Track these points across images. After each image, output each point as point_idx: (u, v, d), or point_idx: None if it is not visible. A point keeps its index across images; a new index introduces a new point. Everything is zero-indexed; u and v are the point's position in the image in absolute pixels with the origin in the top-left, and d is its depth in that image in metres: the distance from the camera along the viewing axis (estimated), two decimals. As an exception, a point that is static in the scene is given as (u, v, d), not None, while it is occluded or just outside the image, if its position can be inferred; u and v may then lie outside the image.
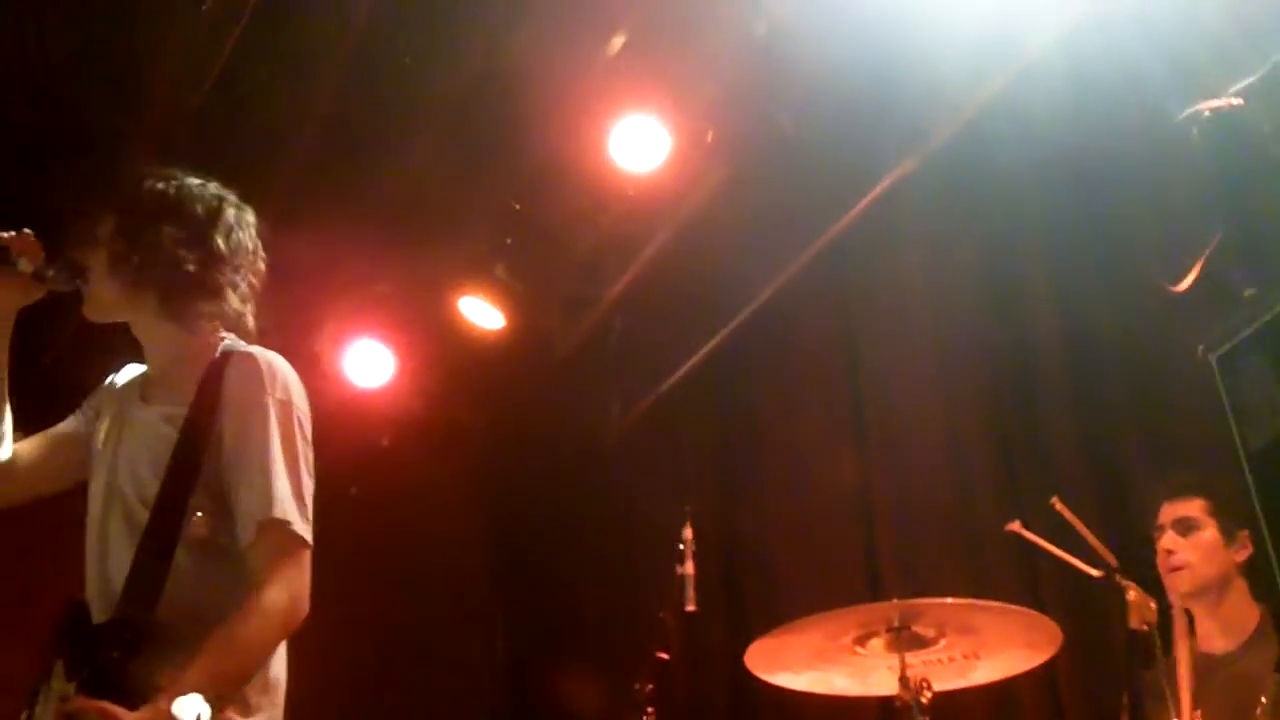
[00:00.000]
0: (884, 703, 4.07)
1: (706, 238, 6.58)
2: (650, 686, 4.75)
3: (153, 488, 2.97)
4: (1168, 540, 4.09)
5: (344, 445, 6.83)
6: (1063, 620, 3.90)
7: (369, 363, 7.46)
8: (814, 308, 6.65)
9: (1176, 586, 4.02)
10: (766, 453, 6.91)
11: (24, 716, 2.92)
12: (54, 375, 4.35)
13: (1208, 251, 3.19)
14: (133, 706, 2.70)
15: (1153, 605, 3.41)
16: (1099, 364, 5.15)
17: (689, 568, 4.82)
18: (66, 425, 3.38)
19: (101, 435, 3.23)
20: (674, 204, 6.51)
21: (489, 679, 8.50)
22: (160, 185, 3.23)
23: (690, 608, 4.80)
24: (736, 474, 7.10)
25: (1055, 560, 3.97)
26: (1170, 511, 4.14)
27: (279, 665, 3.01)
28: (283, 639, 2.94)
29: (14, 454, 3.33)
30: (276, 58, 5.94)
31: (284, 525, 2.92)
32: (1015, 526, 4.09)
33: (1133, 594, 3.39)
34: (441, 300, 7.14)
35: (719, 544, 6.70)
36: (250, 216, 3.34)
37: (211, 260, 3.20)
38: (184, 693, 2.67)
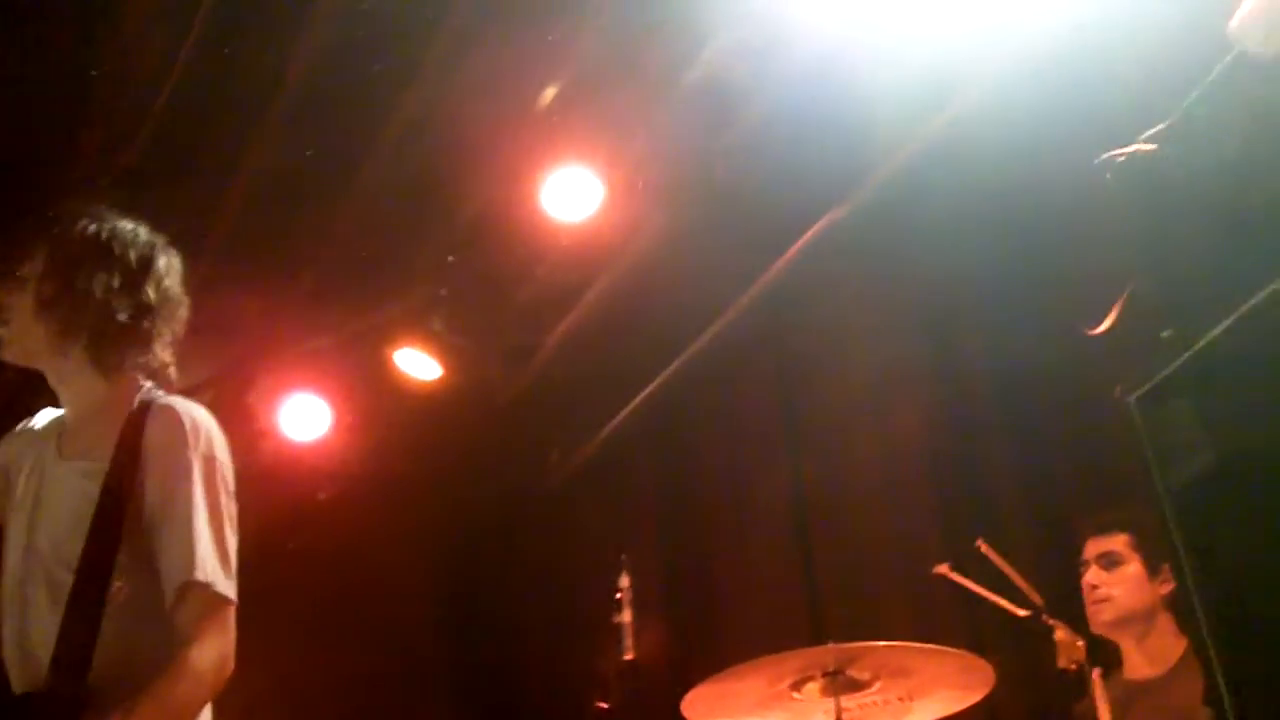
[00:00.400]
0: (823, 749, 4.06)
1: (644, 284, 6.60)
2: (591, 736, 4.76)
3: (74, 549, 2.88)
4: (1092, 575, 4.16)
5: (281, 500, 6.84)
6: (1003, 658, 3.93)
7: (305, 416, 7.42)
8: (752, 351, 6.69)
9: (1099, 617, 4.08)
10: (706, 496, 6.94)
11: None
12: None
13: (1125, 294, 3.23)
14: None
15: (1080, 644, 3.45)
16: (1031, 405, 5.20)
17: (626, 616, 4.83)
18: None
19: (20, 487, 3.11)
20: (610, 252, 6.54)
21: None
22: (93, 227, 3.14)
23: (628, 656, 4.81)
24: (677, 517, 7.11)
25: (984, 602, 3.99)
26: (1095, 547, 4.21)
27: None
28: (209, 699, 2.90)
29: None
30: (210, 110, 5.93)
31: (206, 587, 2.87)
32: (943, 569, 4.12)
33: (1060, 633, 3.43)
34: (378, 353, 7.13)
35: (661, 588, 6.71)
36: (178, 263, 3.27)
37: (142, 309, 3.13)
38: None
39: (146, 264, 3.18)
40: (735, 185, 6.01)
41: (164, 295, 3.18)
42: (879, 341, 5.95)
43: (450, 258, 6.71)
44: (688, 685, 4.09)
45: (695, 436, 7.10)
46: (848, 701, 3.83)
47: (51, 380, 3.19)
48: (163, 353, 3.18)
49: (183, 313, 3.26)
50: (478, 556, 8.60)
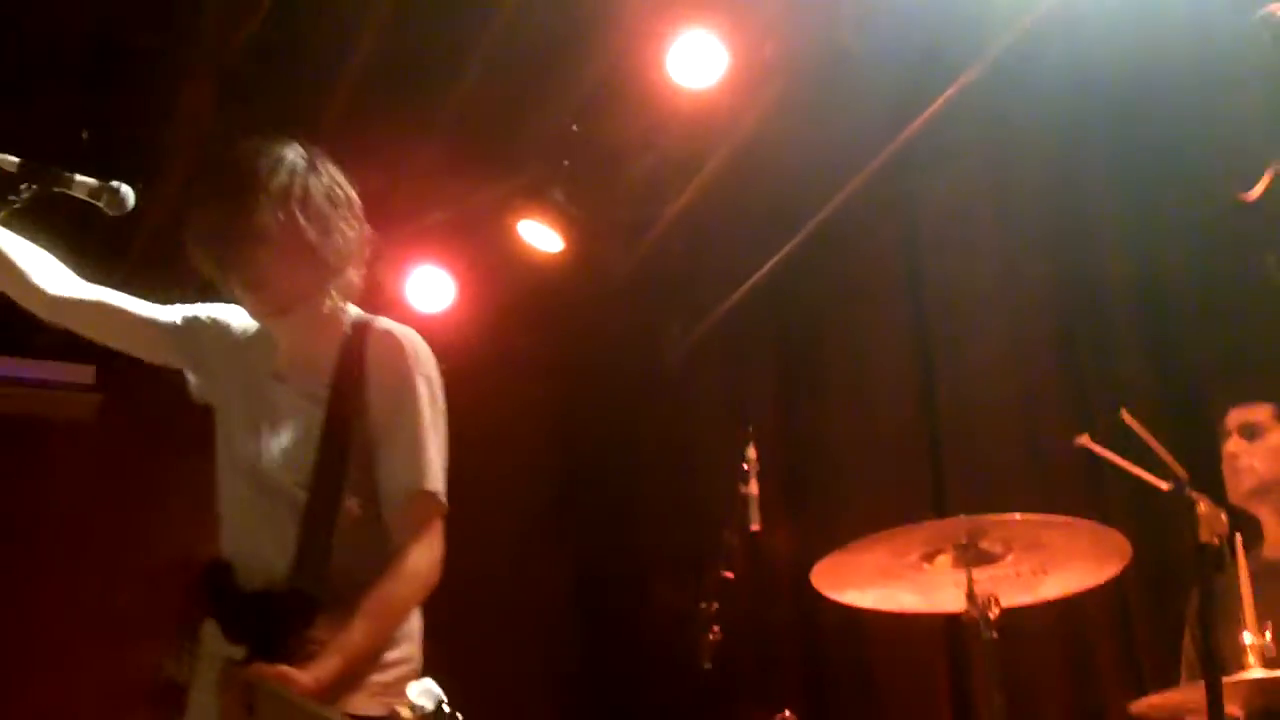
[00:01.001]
0: (951, 619, 4.05)
1: (766, 155, 6.51)
2: (715, 605, 4.77)
3: (305, 467, 3.11)
4: (1232, 444, 4.09)
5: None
6: (1129, 534, 3.86)
7: (429, 289, 7.47)
8: (876, 223, 6.59)
9: (1239, 487, 4.01)
10: (829, 371, 6.89)
11: (169, 669, 3.15)
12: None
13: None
14: (301, 668, 2.89)
15: (1223, 517, 3.37)
16: (1167, 273, 5.10)
17: (753, 487, 4.83)
18: (160, 314, 3.41)
19: (235, 401, 3.29)
20: (732, 122, 6.44)
21: (557, 603, 8.55)
22: (293, 164, 3.16)
23: (754, 527, 4.81)
24: (799, 393, 7.08)
25: (1122, 474, 3.93)
26: (1237, 417, 4.13)
27: (416, 620, 3.19)
28: (423, 599, 3.13)
29: (89, 298, 3.38)
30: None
31: (434, 496, 3.12)
32: (1084, 440, 4.05)
33: (1203, 506, 3.34)
34: (500, 225, 7.12)
35: (782, 463, 6.69)
36: None
37: (351, 236, 3.23)
38: (346, 652, 2.93)
39: (342, 191, 3.24)
40: (860, 53, 5.88)
41: (359, 218, 3.27)
42: (1007, 210, 5.84)
43: (574, 126, 6.65)
44: (811, 557, 4.07)
45: (817, 309, 7.04)
46: (979, 574, 3.79)
47: (273, 321, 3.30)
48: (356, 274, 3.29)
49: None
50: (597, 431, 8.63)
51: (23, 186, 3.03)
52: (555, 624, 8.43)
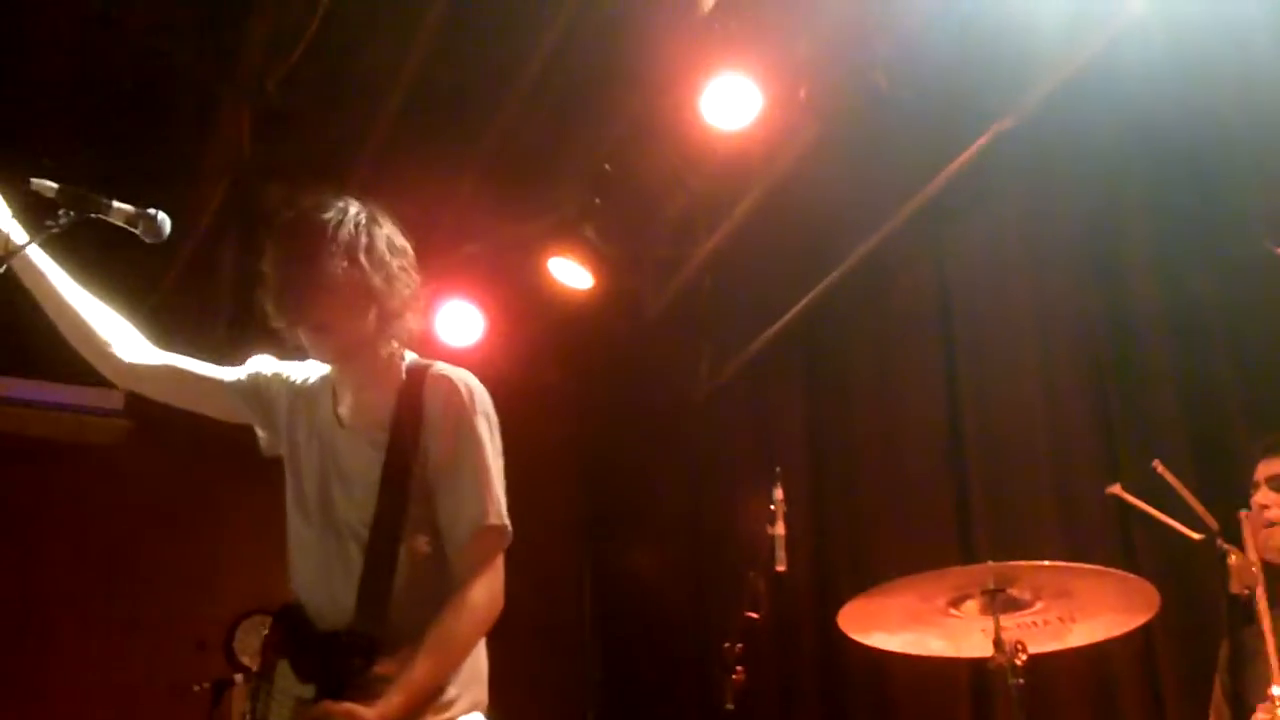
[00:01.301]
0: (978, 664, 4.03)
1: (798, 196, 6.52)
2: (740, 646, 4.75)
3: (368, 510, 3.23)
4: (1262, 496, 4.04)
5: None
6: (1158, 583, 3.83)
7: (459, 323, 7.50)
8: (908, 266, 6.59)
9: (1270, 542, 3.97)
10: (858, 412, 6.87)
11: (247, 710, 3.26)
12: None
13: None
14: (367, 704, 3.01)
15: (1255, 569, 3.35)
16: (1199, 324, 5.06)
17: (780, 528, 4.81)
18: (226, 375, 3.56)
19: (302, 448, 3.41)
20: (765, 163, 6.46)
21: (580, 638, 8.54)
22: (355, 217, 3.28)
23: (780, 568, 4.79)
24: (827, 433, 7.06)
25: (1151, 523, 3.90)
26: (1266, 469, 4.09)
27: (482, 658, 3.30)
28: (485, 633, 3.24)
29: (160, 365, 3.54)
30: (368, 18, 5.96)
31: (499, 529, 3.23)
32: (1116, 489, 4.03)
33: (1234, 558, 3.33)
34: (531, 261, 7.15)
35: (809, 502, 6.69)
36: None
37: (410, 284, 3.35)
38: (409, 689, 3.04)
39: (400, 241, 3.37)
40: (895, 97, 5.89)
41: (414, 267, 3.39)
42: (1041, 258, 5.82)
43: (606, 165, 6.68)
44: (837, 600, 4.07)
45: (847, 350, 7.02)
46: (1007, 620, 3.77)
47: (336, 367, 3.43)
48: (414, 320, 3.40)
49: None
50: (625, 467, 8.64)
51: (61, 212, 3.07)
52: (578, 663, 8.41)
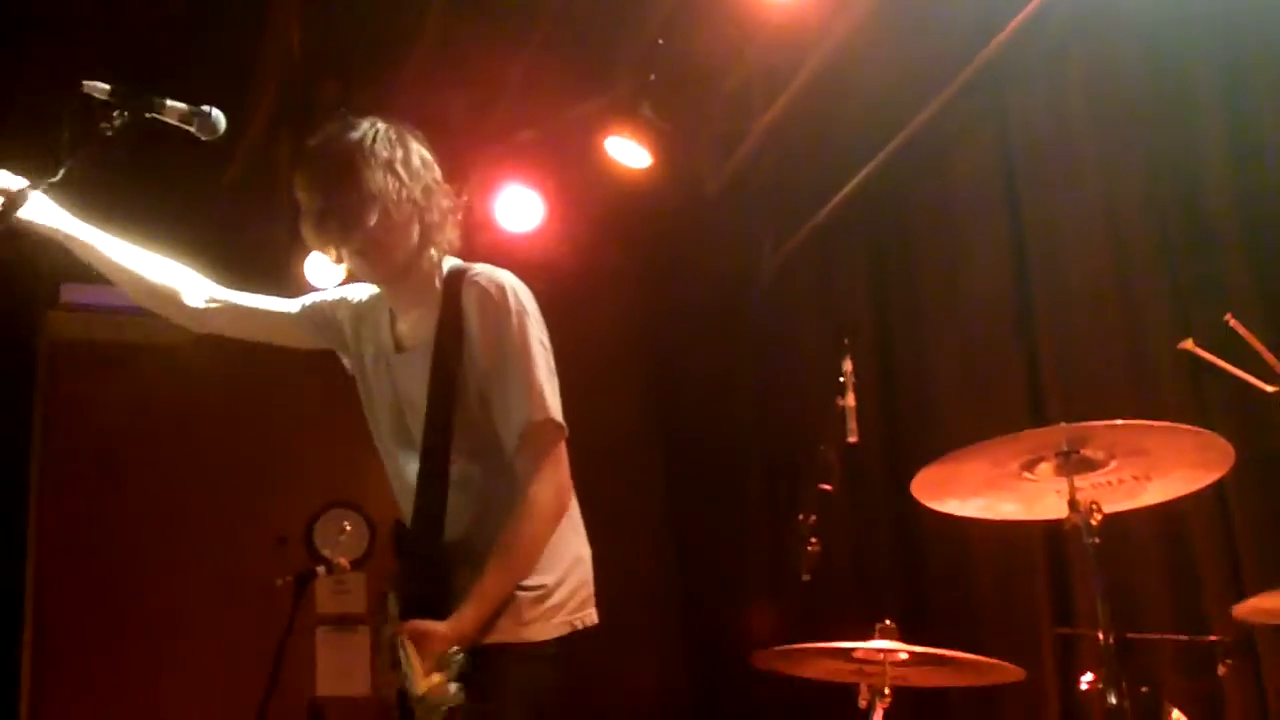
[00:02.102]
0: (1052, 527, 4.02)
1: (856, 66, 6.43)
2: (814, 518, 4.78)
3: None
4: None
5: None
6: (1231, 438, 3.80)
7: (519, 208, 7.49)
8: (969, 133, 6.49)
9: None
10: (924, 281, 6.82)
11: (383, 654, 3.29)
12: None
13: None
14: (442, 616, 3.10)
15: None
16: (1270, 179, 4.97)
17: (850, 400, 4.82)
18: (290, 306, 3.65)
19: (370, 372, 3.48)
20: (821, 33, 6.36)
21: (652, 519, 8.59)
22: (384, 136, 3.31)
23: (852, 439, 4.80)
24: (894, 304, 7.02)
25: (1224, 378, 3.87)
26: None
27: (572, 539, 3.38)
28: (555, 528, 3.24)
29: (226, 305, 3.63)
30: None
31: (549, 423, 3.23)
32: (1188, 344, 4.00)
33: (1308, 407, 3.30)
34: (588, 142, 7.10)
35: (878, 374, 6.67)
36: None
37: (444, 198, 3.42)
38: (482, 598, 3.11)
39: (430, 155, 3.43)
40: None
41: (441, 178, 3.44)
42: (1106, 116, 5.71)
43: (659, 40, 6.61)
44: (909, 469, 4.06)
45: (911, 219, 6.96)
46: (1081, 481, 3.76)
47: (386, 288, 3.47)
48: (454, 231, 3.45)
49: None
50: (691, 346, 8.63)
51: (115, 114, 3.07)
52: (649, 537, 8.47)
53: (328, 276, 6.58)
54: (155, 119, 3.15)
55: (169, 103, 3.16)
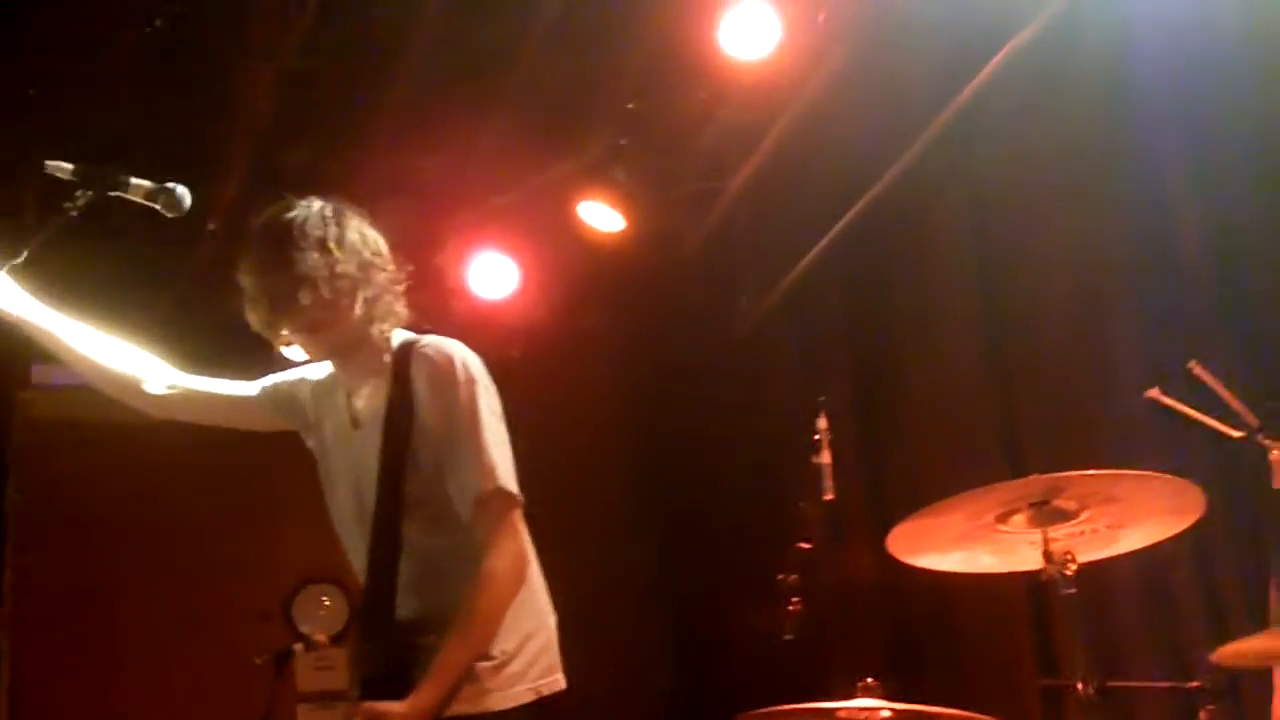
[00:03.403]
0: (1034, 577, 4.02)
1: (827, 121, 6.47)
2: (794, 577, 4.77)
3: None
4: None
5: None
6: (1207, 486, 3.81)
7: (493, 275, 7.50)
8: (940, 187, 6.52)
9: None
10: (900, 335, 6.84)
11: None
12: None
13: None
14: (402, 694, 3.06)
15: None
16: (1237, 224, 4.99)
17: (825, 457, 4.82)
18: (250, 390, 3.64)
19: (330, 449, 3.47)
20: (791, 89, 6.40)
21: (634, 582, 8.56)
22: (324, 209, 3.34)
23: (829, 496, 4.80)
24: (869, 358, 7.03)
25: (1196, 425, 3.88)
26: None
27: (528, 603, 3.32)
28: (513, 598, 3.21)
29: (187, 391, 3.62)
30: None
31: (500, 492, 3.21)
32: (1154, 393, 4.02)
33: (1276, 453, 3.31)
34: (561, 207, 7.13)
35: (857, 427, 6.67)
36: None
37: (385, 269, 3.39)
38: (442, 673, 3.08)
39: (371, 232, 3.42)
40: (915, 13, 5.83)
41: (387, 256, 3.43)
42: (1075, 166, 5.75)
43: (630, 105, 6.65)
44: (887, 524, 4.06)
45: (886, 274, 6.98)
46: (1055, 532, 3.77)
47: (336, 364, 3.47)
48: (397, 302, 3.42)
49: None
50: (671, 405, 8.63)
51: (79, 193, 3.09)
52: (638, 600, 8.44)
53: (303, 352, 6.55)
54: (120, 197, 3.16)
55: (133, 180, 3.18)
